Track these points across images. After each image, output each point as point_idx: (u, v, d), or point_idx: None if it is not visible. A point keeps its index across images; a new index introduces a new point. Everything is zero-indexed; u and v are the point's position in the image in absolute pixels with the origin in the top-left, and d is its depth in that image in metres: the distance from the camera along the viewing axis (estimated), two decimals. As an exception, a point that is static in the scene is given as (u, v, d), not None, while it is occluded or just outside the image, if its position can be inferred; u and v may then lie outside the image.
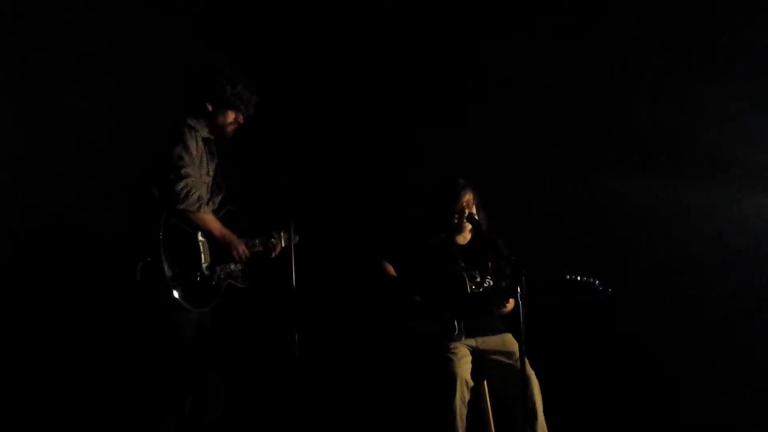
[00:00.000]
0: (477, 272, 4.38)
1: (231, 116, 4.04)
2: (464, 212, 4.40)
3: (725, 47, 4.88)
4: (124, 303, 3.97)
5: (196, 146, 3.91)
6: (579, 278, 3.98)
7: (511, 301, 4.29)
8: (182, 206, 3.75)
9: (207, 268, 3.89)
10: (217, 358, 4.02)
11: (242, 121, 4.09)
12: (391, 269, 4.47)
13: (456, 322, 4.27)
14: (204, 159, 3.98)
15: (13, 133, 4.38)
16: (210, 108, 4.00)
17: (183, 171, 3.76)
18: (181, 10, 4.97)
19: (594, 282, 3.96)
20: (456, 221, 4.44)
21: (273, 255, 4.18)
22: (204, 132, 4.00)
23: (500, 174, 5.05)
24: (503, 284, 4.28)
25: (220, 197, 4.08)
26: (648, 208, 5.02)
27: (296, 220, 4.00)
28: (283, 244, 4.19)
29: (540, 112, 5.17)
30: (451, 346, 4.24)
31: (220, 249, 3.95)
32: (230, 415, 4.10)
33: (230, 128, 4.07)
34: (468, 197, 4.45)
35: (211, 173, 4.05)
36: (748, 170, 4.85)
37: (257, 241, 4.13)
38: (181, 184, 3.73)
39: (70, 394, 4.38)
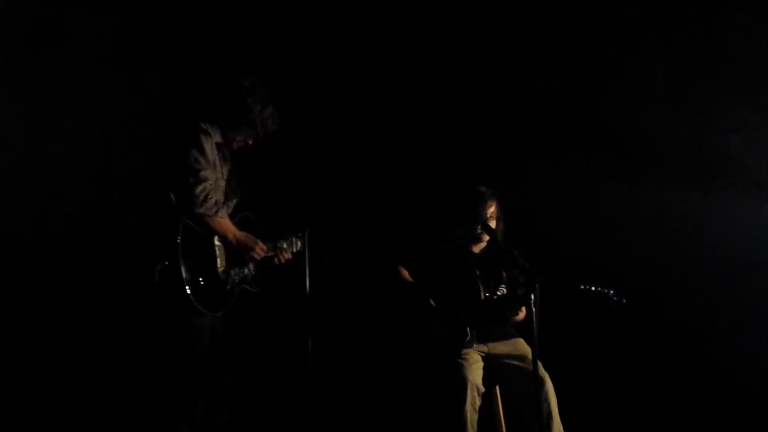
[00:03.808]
0: (491, 280, 4.39)
1: (244, 135, 4.07)
2: (487, 222, 4.41)
3: (736, 53, 4.88)
4: (141, 306, 3.98)
5: (211, 150, 3.91)
6: (593, 288, 3.98)
7: (524, 309, 4.31)
8: (200, 210, 3.75)
9: (222, 272, 3.90)
10: (230, 363, 4.02)
11: (250, 144, 4.11)
12: (406, 274, 4.48)
13: (468, 329, 4.28)
14: (218, 163, 3.99)
15: (28, 139, 4.38)
16: (230, 119, 4.02)
17: (201, 175, 3.77)
18: (192, 14, 4.97)
19: (608, 292, 3.96)
20: (479, 230, 4.44)
21: (276, 262, 4.16)
22: (217, 137, 4.00)
23: (514, 182, 5.04)
24: (518, 292, 4.29)
25: (234, 201, 4.08)
26: (661, 215, 5.02)
27: (307, 229, 3.98)
28: (294, 250, 4.19)
29: (552, 120, 5.18)
30: (463, 352, 4.25)
31: (235, 253, 3.95)
32: (244, 419, 4.11)
33: (236, 144, 4.09)
34: (492, 208, 4.46)
35: (225, 177, 4.06)
36: (762, 176, 4.85)
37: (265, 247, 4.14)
38: (199, 188, 3.74)
39: (85, 396, 4.38)
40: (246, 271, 4.05)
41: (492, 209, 4.46)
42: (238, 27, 5.17)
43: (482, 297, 4.33)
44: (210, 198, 3.77)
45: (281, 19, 5.31)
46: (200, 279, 3.76)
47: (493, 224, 4.43)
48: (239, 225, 4.00)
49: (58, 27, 4.55)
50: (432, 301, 4.32)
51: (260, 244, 4.01)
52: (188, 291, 3.68)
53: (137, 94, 4.71)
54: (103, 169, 4.56)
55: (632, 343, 4.98)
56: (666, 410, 4.93)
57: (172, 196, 3.78)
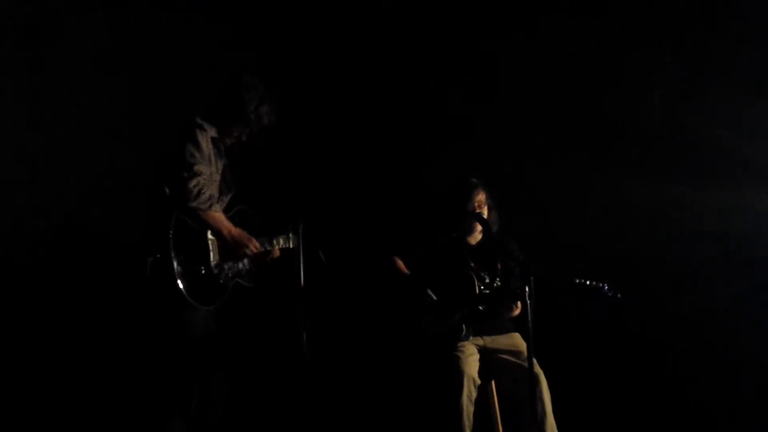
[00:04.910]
0: (486, 273, 4.39)
1: (238, 130, 4.07)
2: (476, 212, 4.41)
3: (738, 47, 4.87)
4: (133, 300, 4.00)
5: (206, 144, 3.93)
6: (588, 282, 3.98)
7: (519, 304, 4.31)
8: (193, 204, 3.76)
9: (215, 266, 3.90)
10: (224, 358, 4.03)
11: (245, 140, 4.11)
12: (402, 265, 4.47)
13: (464, 324, 4.28)
14: (213, 157, 4.00)
15: (24, 134, 4.41)
16: (225, 114, 4.03)
17: (195, 169, 3.78)
18: (190, 11, 5.00)
19: (603, 286, 3.96)
20: (467, 222, 4.44)
21: (268, 258, 4.15)
22: (212, 132, 4.01)
23: (511, 176, 5.04)
24: (512, 286, 4.29)
25: (229, 196, 4.09)
26: (660, 210, 5.02)
27: (301, 224, 3.99)
28: (290, 246, 4.20)
29: (548, 114, 5.18)
30: (459, 345, 4.25)
31: (229, 248, 3.96)
32: (238, 415, 4.12)
33: (231, 140, 4.09)
34: (480, 197, 4.46)
35: (220, 171, 4.06)
36: (761, 171, 4.83)
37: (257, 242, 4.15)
38: (193, 182, 3.76)
39: (81, 390, 4.41)
40: (240, 265, 4.05)
41: (480, 198, 4.46)
42: (238, 25, 5.18)
43: (477, 291, 4.32)
44: (204, 192, 3.78)
45: (280, 16, 5.33)
46: (192, 272, 3.77)
47: (484, 213, 4.42)
48: (234, 219, 4.01)
49: (57, 24, 4.57)
50: (430, 293, 4.32)
51: (254, 241, 4.02)
52: (179, 284, 3.69)
53: (134, 90, 4.74)
54: (100, 164, 4.59)
55: (628, 337, 4.96)
56: (661, 407, 4.91)
57: (166, 189, 3.79)
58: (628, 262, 4.92)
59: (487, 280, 4.36)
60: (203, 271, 3.85)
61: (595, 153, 5.12)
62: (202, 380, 3.91)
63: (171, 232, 3.71)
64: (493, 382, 4.30)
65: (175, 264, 3.68)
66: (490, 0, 5.30)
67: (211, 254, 3.89)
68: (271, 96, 4.11)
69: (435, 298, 4.32)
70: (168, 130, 4.03)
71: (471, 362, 4.18)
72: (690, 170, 4.96)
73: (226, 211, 4.00)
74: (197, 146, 3.85)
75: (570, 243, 5.00)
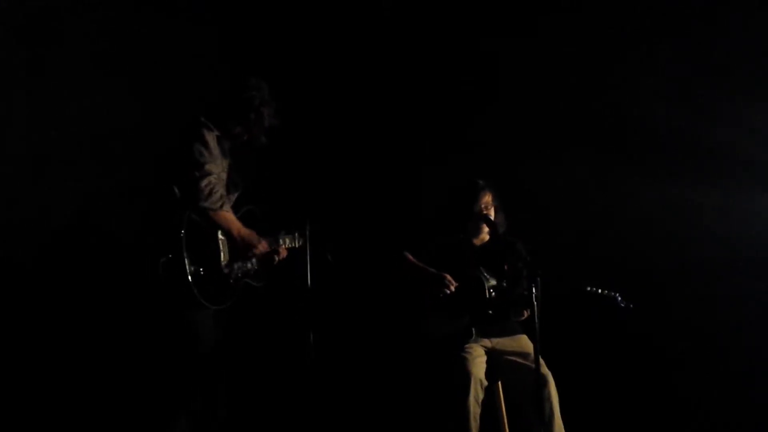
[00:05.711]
0: (493, 274, 4.37)
1: (239, 130, 4.06)
2: (482, 214, 4.39)
3: (738, 47, 4.87)
4: (144, 300, 3.98)
5: (213, 143, 3.91)
6: (600, 291, 3.96)
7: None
8: (205, 204, 3.76)
9: (225, 266, 3.90)
10: (230, 358, 4.02)
11: (244, 140, 4.10)
12: (412, 259, 4.45)
13: (473, 329, 4.27)
14: (219, 156, 3.98)
15: (29, 134, 4.38)
16: (227, 113, 4.02)
17: (206, 168, 3.78)
18: (190, 11, 4.98)
19: (616, 296, 3.95)
20: (474, 223, 4.43)
21: (275, 259, 4.15)
22: (216, 130, 4.00)
23: (510, 176, 5.01)
24: (520, 289, 4.28)
25: (236, 195, 4.08)
26: (660, 210, 5.01)
27: (308, 224, 3.97)
28: (296, 245, 4.18)
29: (552, 113, 5.17)
30: (466, 346, 4.24)
31: (238, 248, 3.95)
32: (244, 413, 4.11)
33: (233, 139, 4.07)
34: (487, 199, 4.45)
35: (226, 170, 4.05)
36: (761, 171, 4.83)
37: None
38: (204, 182, 3.75)
39: (82, 392, 4.39)
40: (249, 265, 4.04)
41: (486, 199, 4.45)
42: (239, 25, 5.17)
43: (487, 294, 4.31)
44: (215, 192, 3.78)
45: (281, 17, 5.32)
46: (204, 272, 3.76)
47: (491, 215, 4.41)
48: (243, 219, 3.99)
49: (59, 23, 4.54)
50: (450, 278, 4.28)
51: (263, 242, 4.00)
52: (191, 284, 3.68)
53: (134, 90, 4.71)
54: (106, 165, 4.57)
55: (634, 341, 4.95)
56: (664, 407, 4.92)
57: (176, 189, 3.77)
58: (628, 262, 4.93)
59: (494, 282, 4.35)
60: (214, 271, 3.83)
61: (596, 153, 5.11)
62: (209, 379, 3.89)
63: (183, 232, 3.69)
64: (499, 383, 4.29)
65: (187, 264, 3.67)
66: (490, 0, 5.30)
67: (222, 254, 3.89)
68: (274, 97, 4.10)
69: (455, 284, 4.28)
70: (169, 130, 4.01)
71: (478, 363, 4.17)
72: (690, 170, 4.96)
73: (234, 210, 3.98)
74: (205, 145, 3.84)
75: (570, 243, 5.00)
